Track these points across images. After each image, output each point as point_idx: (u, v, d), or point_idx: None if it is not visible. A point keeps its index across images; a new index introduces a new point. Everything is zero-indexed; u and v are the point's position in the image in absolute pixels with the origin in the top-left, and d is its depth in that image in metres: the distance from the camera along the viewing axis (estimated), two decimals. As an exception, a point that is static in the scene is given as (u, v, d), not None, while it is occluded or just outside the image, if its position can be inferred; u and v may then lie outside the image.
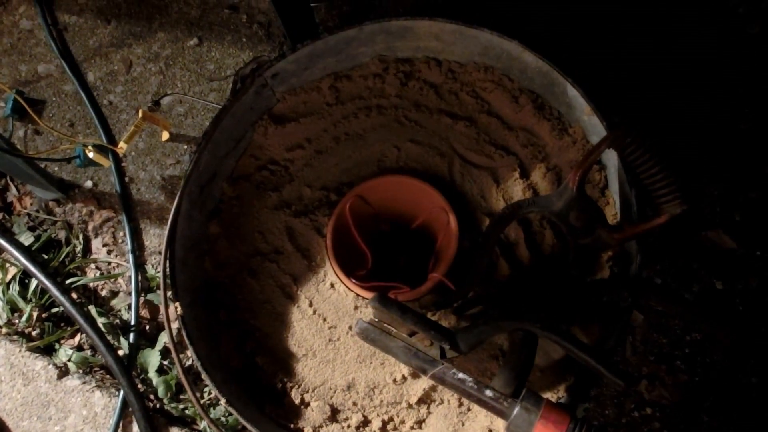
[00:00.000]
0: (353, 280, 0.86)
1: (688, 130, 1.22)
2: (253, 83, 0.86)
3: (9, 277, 1.26)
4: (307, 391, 0.84)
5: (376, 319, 0.77)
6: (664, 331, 1.13)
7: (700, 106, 1.23)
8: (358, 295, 0.87)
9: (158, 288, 1.24)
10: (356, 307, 0.87)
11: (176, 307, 0.80)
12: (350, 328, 0.86)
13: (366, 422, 0.82)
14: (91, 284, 1.26)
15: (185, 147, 1.33)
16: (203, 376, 0.79)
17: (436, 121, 0.94)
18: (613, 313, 0.77)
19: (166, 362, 1.17)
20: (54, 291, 1.17)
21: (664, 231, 1.04)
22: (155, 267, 1.26)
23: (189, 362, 1.18)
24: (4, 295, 1.23)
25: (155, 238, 1.28)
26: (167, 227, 0.81)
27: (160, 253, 1.27)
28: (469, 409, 0.81)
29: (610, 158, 0.84)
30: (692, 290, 1.14)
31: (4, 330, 1.22)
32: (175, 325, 1.02)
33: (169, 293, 0.82)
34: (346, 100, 0.96)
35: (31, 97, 1.40)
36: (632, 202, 0.79)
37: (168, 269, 0.80)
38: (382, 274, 0.93)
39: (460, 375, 0.71)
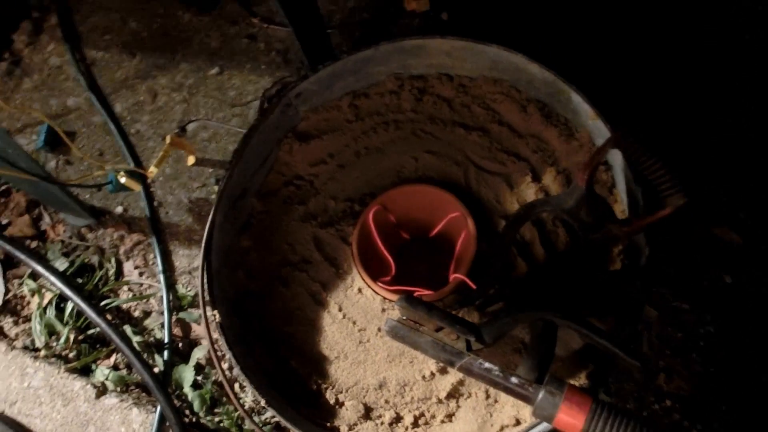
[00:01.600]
0: (380, 284, 0.91)
1: (689, 130, 1.27)
2: (279, 103, 0.92)
3: (45, 301, 1.31)
4: (341, 392, 0.88)
5: (404, 317, 0.82)
6: (678, 326, 1.17)
7: (700, 106, 1.28)
8: (384, 298, 0.92)
9: (189, 306, 1.29)
10: (383, 310, 0.91)
11: (215, 315, 0.85)
12: (379, 329, 0.90)
13: (398, 418, 0.86)
14: (125, 305, 1.32)
15: (210, 170, 1.40)
16: (242, 380, 0.84)
17: (450, 132, 1.00)
18: (627, 303, 0.81)
19: (199, 377, 1.22)
20: (90, 313, 1.23)
21: (672, 224, 1.09)
22: (185, 286, 1.31)
23: (220, 377, 1.22)
24: (41, 319, 1.29)
25: (184, 259, 1.34)
26: (203, 240, 0.87)
27: (189, 273, 1.33)
28: (496, 401, 0.85)
29: (616, 159, 0.89)
30: (702, 284, 1.18)
31: (42, 353, 1.27)
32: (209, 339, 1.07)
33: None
34: (365, 117, 1.02)
35: (62, 130, 1.48)
36: (639, 198, 0.84)
37: (206, 280, 0.85)
38: (405, 281, 0.98)
39: (487, 365, 0.75)
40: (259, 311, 0.93)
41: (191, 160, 1.38)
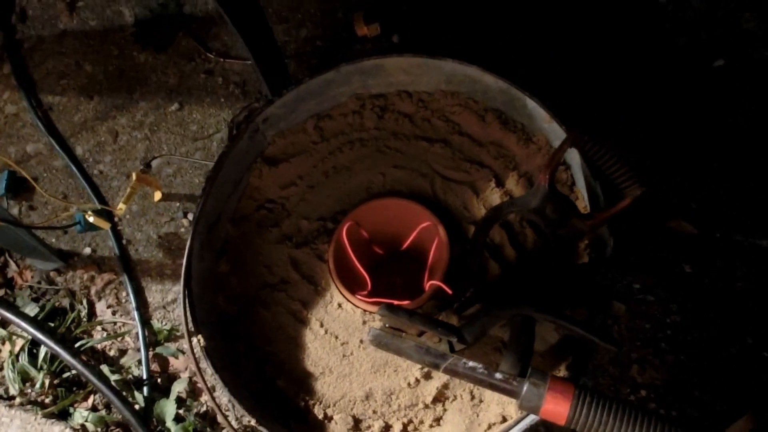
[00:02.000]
0: (359, 297, 0.93)
1: (636, 127, 1.35)
2: (247, 128, 0.94)
3: (17, 348, 1.29)
4: (329, 406, 0.89)
5: (387, 325, 0.84)
6: (645, 317, 1.22)
7: (644, 101, 1.36)
8: (365, 310, 0.94)
9: (165, 340, 1.29)
10: (364, 322, 0.93)
11: (199, 340, 0.85)
12: (361, 341, 0.92)
13: (387, 427, 0.88)
14: (99, 345, 1.30)
15: (177, 204, 1.40)
16: (230, 403, 0.84)
17: (414, 146, 1.04)
18: (597, 293, 0.85)
19: (181, 410, 1.21)
20: (64, 355, 1.21)
21: (632, 216, 1.14)
22: (161, 321, 1.31)
23: (204, 408, 1.22)
24: (14, 366, 1.26)
25: (158, 294, 1.33)
26: (183, 267, 0.88)
27: (164, 307, 1.32)
28: (481, 401, 0.88)
29: (573, 158, 0.94)
30: (664, 275, 1.24)
31: (17, 401, 1.24)
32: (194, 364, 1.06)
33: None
34: (330, 137, 1.05)
35: (23, 177, 1.46)
36: (598, 193, 0.89)
37: (188, 306, 0.86)
38: (381, 295, 1.00)
39: (471, 363, 0.78)
40: (242, 334, 0.94)
41: (158, 195, 1.39)
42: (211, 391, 0.89)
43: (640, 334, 1.22)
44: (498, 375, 0.76)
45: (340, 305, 0.95)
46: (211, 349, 0.86)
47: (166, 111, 1.50)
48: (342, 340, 0.93)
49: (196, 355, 0.86)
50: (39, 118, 1.52)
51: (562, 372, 0.86)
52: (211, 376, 0.86)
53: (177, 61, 1.55)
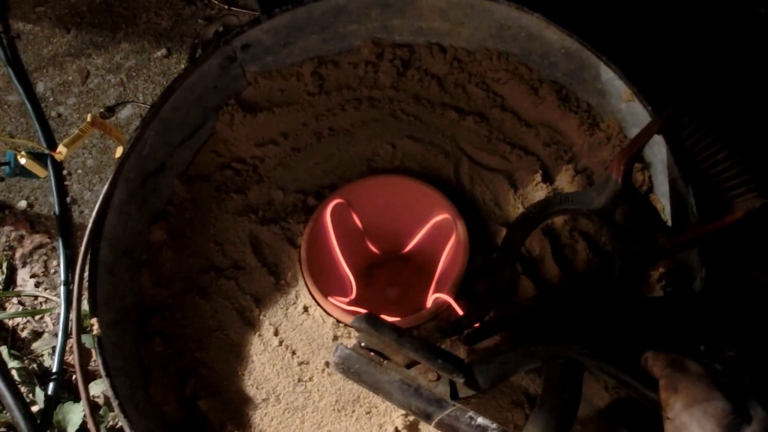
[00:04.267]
0: (335, 301, 0.67)
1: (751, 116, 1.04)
2: (218, 50, 0.69)
3: None
4: (266, 450, 0.62)
5: (362, 345, 0.57)
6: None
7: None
8: (338, 321, 0.67)
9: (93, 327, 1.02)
10: (336, 338, 0.66)
11: (92, 325, 0.59)
12: (326, 365, 0.65)
13: (344, 495, 0.60)
14: (11, 321, 1.04)
15: (141, 165, 1.15)
16: (121, 422, 0.57)
17: (439, 115, 0.78)
18: (680, 345, 0.58)
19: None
20: (-40, 326, 0.95)
21: (739, 236, 0.86)
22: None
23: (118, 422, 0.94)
24: None
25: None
26: (91, 219, 0.62)
27: (100, 286, 1.06)
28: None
29: (656, 153, 0.68)
30: None
31: None
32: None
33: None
34: (331, 90, 0.80)
35: (-36, 108, 1.23)
36: (690, 203, 0.62)
37: (85, 274, 0.60)
38: (367, 308, 0.73)
39: (480, 420, 0.51)
40: (165, 329, 0.68)
41: (119, 151, 1.13)
42: (87, 393, 0.63)
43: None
44: (521, 446, 0.49)
45: (306, 309, 0.68)
46: (110, 343, 0.60)
47: (151, 56, 1.26)
48: (301, 357, 0.66)
49: (91, 349, 0.60)
50: (2, 46, 1.29)
51: (611, 453, 0.58)
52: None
53: (175, 2, 1.32)
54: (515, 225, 0.64)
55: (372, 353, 0.56)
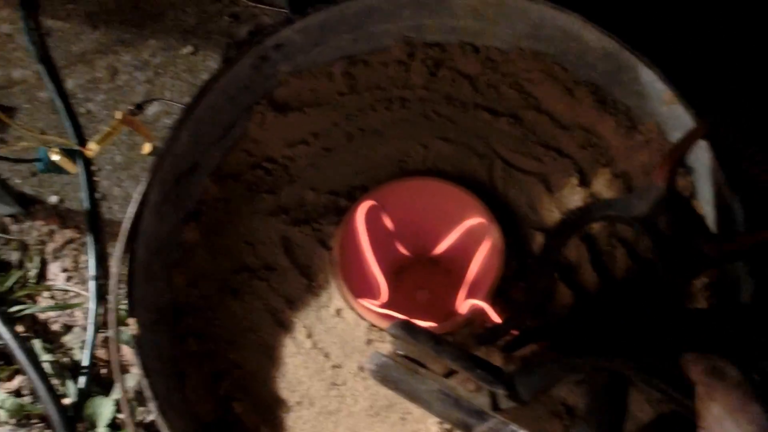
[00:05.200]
0: (370, 304, 0.66)
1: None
2: (252, 51, 0.69)
3: (-58, 302, 1.05)
4: (300, 453, 0.62)
5: (400, 353, 0.56)
6: None
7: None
8: (373, 325, 0.67)
9: (122, 324, 1.03)
10: (369, 341, 0.66)
11: (131, 324, 0.59)
12: (361, 369, 0.65)
13: (377, 500, 0.60)
14: (42, 315, 1.05)
15: (169, 162, 1.16)
16: (159, 421, 0.58)
17: (472, 117, 0.77)
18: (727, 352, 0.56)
19: (122, 416, 0.95)
20: (-6, 320, 0.96)
21: None
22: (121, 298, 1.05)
23: (150, 417, 0.95)
24: (-67, 323, 1.02)
25: (124, 266, 1.08)
26: (127, 220, 0.62)
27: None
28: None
29: (699, 158, 0.67)
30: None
31: (-74, 366, 0.99)
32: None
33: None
34: (362, 90, 0.79)
35: (1, 104, 1.24)
36: (736, 210, 0.61)
37: (118, 274, 0.60)
38: (396, 311, 0.73)
39: (521, 432, 0.50)
40: (199, 329, 0.68)
41: (147, 148, 1.14)
42: (126, 393, 0.63)
43: None
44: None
45: (339, 312, 0.68)
46: (146, 342, 0.60)
47: (178, 53, 1.26)
48: (334, 361, 0.66)
49: (120, 345, 0.60)
50: (34, 43, 1.30)
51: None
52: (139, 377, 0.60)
53: (201, -1, 1.32)
54: (554, 231, 0.63)
55: (409, 361, 0.56)
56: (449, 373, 0.55)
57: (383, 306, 0.76)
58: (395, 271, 0.85)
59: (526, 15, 0.73)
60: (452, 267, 0.82)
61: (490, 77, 0.79)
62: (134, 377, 0.98)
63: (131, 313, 0.61)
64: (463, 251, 0.77)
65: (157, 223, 0.67)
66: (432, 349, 0.55)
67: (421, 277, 0.85)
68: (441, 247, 0.80)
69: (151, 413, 0.95)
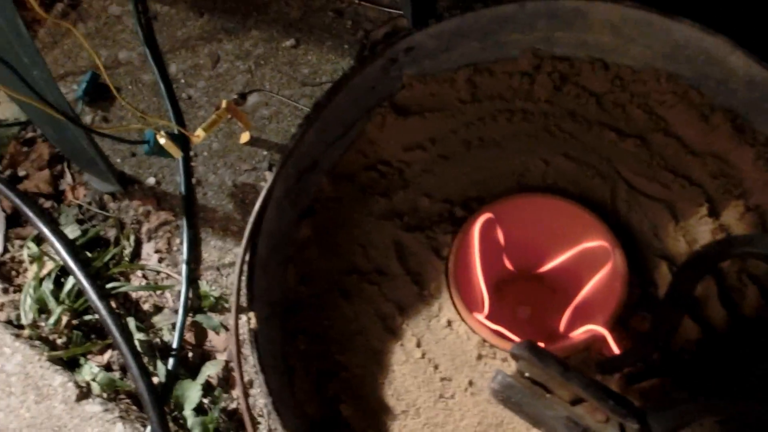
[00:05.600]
0: (484, 318, 0.65)
1: None
2: (384, 53, 0.68)
3: (44, 272, 1.09)
4: (404, 463, 0.61)
5: (525, 374, 0.55)
6: None
7: None
8: (485, 340, 0.65)
9: (210, 310, 1.05)
10: (480, 357, 0.65)
11: (249, 318, 0.60)
12: (470, 383, 0.64)
13: None
14: (134, 294, 1.08)
15: (264, 153, 1.17)
16: (271, 419, 0.58)
17: (596, 135, 0.75)
18: None
19: (206, 401, 0.96)
20: (91, 294, 0.99)
21: None
22: (210, 284, 1.07)
23: (234, 404, 0.96)
24: (35, 291, 1.06)
25: (215, 251, 1.10)
26: (253, 214, 0.62)
27: (218, 269, 1.08)
28: None
29: None
30: None
31: (26, 332, 1.03)
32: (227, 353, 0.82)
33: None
34: (483, 99, 0.78)
35: (105, 83, 1.28)
36: None
37: (245, 269, 0.61)
38: (499, 325, 0.71)
39: (656, 472, 0.48)
40: (308, 327, 0.68)
41: (245, 137, 1.16)
42: (246, 387, 0.63)
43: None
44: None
45: (449, 324, 0.67)
46: (264, 338, 0.60)
47: (279, 46, 1.28)
48: (443, 373, 0.64)
49: (240, 338, 0.60)
50: (141, 26, 1.34)
51: None
52: (252, 369, 0.60)
53: (305, -8, 1.33)
54: (687, 264, 0.60)
55: (534, 384, 0.54)
56: (575, 402, 0.54)
57: (487, 319, 0.75)
58: (496, 285, 0.83)
59: (668, 35, 0.70)
60: (558, 286, 0.80)
61: (617, 96, 0.77)
62: (219, 364, 0.99)
63: (250, 306, 0.61)
64: (575, 272, 0.75)
65: (277, 218, 0.67)
66: (560, 374, 0.53)
67: (522, 293, 0.83)
68: (549, 265, 0.78)
69: (235, 400, 0.97)
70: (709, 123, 0.73)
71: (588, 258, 0.72)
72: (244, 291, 0.62)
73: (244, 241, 0.62)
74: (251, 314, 0.61)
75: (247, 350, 0.60)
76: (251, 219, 0.63)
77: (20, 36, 0.75)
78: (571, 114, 0.77)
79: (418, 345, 0.66)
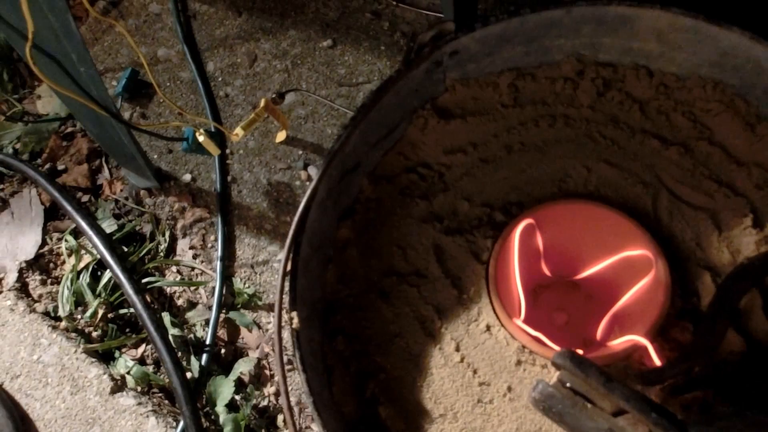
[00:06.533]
0: (523, 325, 0.65)
1: None
2: (431, 56, 0.68)
3: (81, 265, 1.11)
4: (441, 466, 0.61)
5: (566, 384, 0.55)
6: None
7: None
8: (524, 347, 0.65)
9: (243, 307, 1.06)
10: (519, 363, 0.65)
11: (291, 318, 0.60)
12: (509, 389, 0.63)
13: None
14: (169, 289, 1.09)
15: (300, 152, 1.18)
16: (313, 418, 0.58)
17: (639, 142, 0.74)
18: None
19: (238, 397, 0.97)
20: (128, 288, 1.00)
21: None
22: (244, 281, 1.08)
23: (265, 402, 0.97)
24: (72, 284, 1.08)
25: (249, 249, 1.11)
26: (298, 214, 0.63)
27: (251, 266, 1.10)
28: None
29: None
30: None
31: (63, 324, 1.05)
32: (259, 350, 0.83)
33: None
34: (525, 104, 0.78)
35: (145, 80, 1.30)
36: None
37: (289, 269, 0.61)
38: (535, 329, 0.71)
39: (702, 486, 0.47)
40: (347, 328, 0.68)
41: (281, 135, 1.17)
42: (287, 387, 0.64)
43: None
44: None
45: (488, 328, 0.67)
46: (305, 337, 0.61)
47: (316, 46, 1.28)
48: (482, 378, 0.64)
49: (283, 339, 0.61)
50: (180, 24, 1.36)
51: None
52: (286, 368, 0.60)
53: (343, -6, 1.33)
54: (734, 275, 0.60)
55: (574, 394, 0.54)
56: (618, 413, 0.53)
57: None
58: (532, 290, 0.83)
59: (716, 43, 0.69)
60: (595, 293, 0.79)
61: (662, 103, 0.76)
62: (252, 361, 1.00)
63: (293, 306, 0.62)
64: (613, 280, 0.74)
65: (320, 218, 0.68)
66: (602, 385, 0.53)
67: (559, 299, 0.82)
68: (587, 272, 0.78)
69: (266, 398, 0.97)
70: (755, 132, 0.71)
71: (627, 266, 0.71)
72: (285, 290, 0.63)
73: (288, 240, 0.62)
74: (294, 314, 0.61)
75: (287, 349, 0.61)
76: (296, 218, 0.63)
77: (70, 33, 0.77)
78: (614, 120, 0.76)
79: (457, 349, 0.66)
